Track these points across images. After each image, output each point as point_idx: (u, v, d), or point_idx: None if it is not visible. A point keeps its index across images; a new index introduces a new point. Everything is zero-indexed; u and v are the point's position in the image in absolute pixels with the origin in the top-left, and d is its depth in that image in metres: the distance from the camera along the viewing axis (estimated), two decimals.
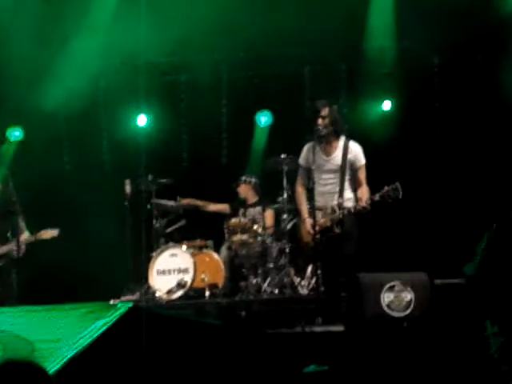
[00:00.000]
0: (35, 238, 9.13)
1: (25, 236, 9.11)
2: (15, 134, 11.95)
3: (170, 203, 10.88)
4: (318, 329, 7.86)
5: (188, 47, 12.05)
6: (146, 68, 11.21)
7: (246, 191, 11.03)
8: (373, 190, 8.20)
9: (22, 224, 9.14)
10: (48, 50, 11.51)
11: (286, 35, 11.62)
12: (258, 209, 10.91)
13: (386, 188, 7.95)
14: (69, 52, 11.65)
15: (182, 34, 11.56)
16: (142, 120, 12.10)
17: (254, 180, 11.07)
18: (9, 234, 9.03)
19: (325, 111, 8.20)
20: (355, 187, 8.30)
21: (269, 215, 10.76)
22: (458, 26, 11.24)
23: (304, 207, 8.42)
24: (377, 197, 7.99)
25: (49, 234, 9.19)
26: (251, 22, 11.29)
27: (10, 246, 8.86)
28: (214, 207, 11.16)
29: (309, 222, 8.23)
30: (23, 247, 8.96)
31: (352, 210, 8.08)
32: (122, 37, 11.17)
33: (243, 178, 11.07)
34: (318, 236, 8.09)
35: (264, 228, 10.50)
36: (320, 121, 8.18)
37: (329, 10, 10.93)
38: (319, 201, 8.17)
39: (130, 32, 10.29)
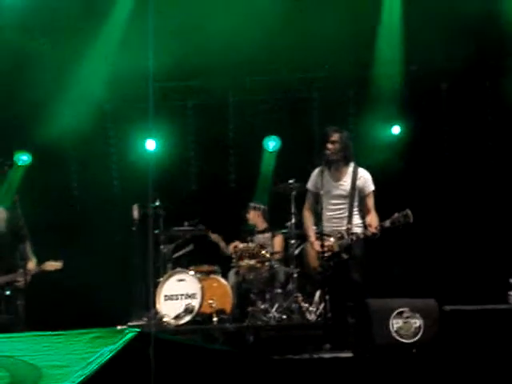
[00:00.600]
0: (39, 269, 9.07)
1: (32, 264, 9.04)
2: (23, 158, 11.97)
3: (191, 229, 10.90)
4: (326, 355, 7.80)
5: (195, 72, 12.11)
6: (154, 93, 11.24)
7: (255, 218, 11.03)
8: (382, 215, 8.17)
9: (29, 250, 9.10)
10: (56, 73, 11.58)
11: (294, 60, 11.68)
12: (267, 235, 10.92)
13: (396, 214, 7.91)
14: (77, 76, 11.71)
15: (189, 58, 11.63)
16: (150, 144, 12.12)
17: (263, 207, 11.08)
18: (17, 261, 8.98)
19: (335, 137, 8.20)
20: (363, 213, 8.27)
21: (277, 241, 10.75)
22: (466, 51, 11.28)
23: (311, 231, 8.40)
24: (387, 223, 7.95)
25: (53, 265, 9.12)
26: (258, 47, 11.33)
27: (16, 275, 8.80)
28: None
29: (317, 244, 8.21)
30: (28, 277, 8.90)
31: (361, 236, 8.05)
32: (130, 62, 11.22)
33: (252, 204, 11.07)
34: (325, 257, 8.05)
35: (272, 253, 10.48)
36: (330, 146, 8.18)
37: (337, 34, 10.97)
38: (327, 226, 8.14)
39: (137, 57, 10.32)
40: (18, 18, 10.93)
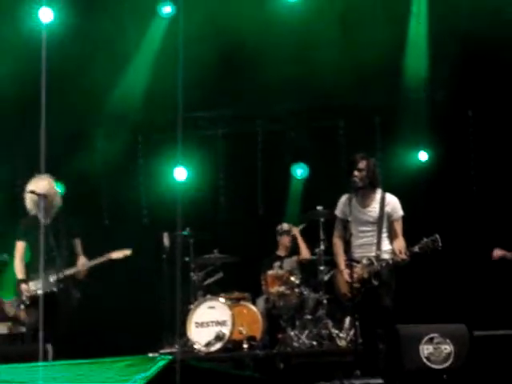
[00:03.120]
0: (106, 258, 8.77)
1: (82, 261, 8.76)
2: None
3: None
4: (356, 382, 7.76)
5: (224, 101, 12.20)
6: (183, 121, 11.32)
7: (289, 241, 11.11)
8: (410, 241, 8.17)
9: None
10: (87, 104, 11.72)
11: (319, 88, 11.72)
12: (294, 258, 10.98)
13: (425, 239, 7.89)
14: (107, 105, 11.84)
15: (217, 87, 11.73)
16: (180, 173, 12.20)
17: (293, 229, 11.16)
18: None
19: (362, 164, 8.21)
20: (391, 239, 8.27)
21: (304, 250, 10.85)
22: (493, 76, 11.29)
23: (341, 259, 8.38)
24: (416, 248, 7.93)
25: (120, 253, 8.84)
26: (284, 75, 11.41)
27: (78, 267, 8.62)
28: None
29: (346, 272, 8.21)
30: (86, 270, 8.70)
31: (390, 262, 8.05)
32: (159, 90, 11.34)
33: (285, 226, 11.14)
34: (355, 287, 8.06)
35: (302, 280, 10.55)
36: (357, 173, 8.19)
37: (363, 61, 11.03)
38: (357, 253, 8.15)
39: (167, 85, 10.44)
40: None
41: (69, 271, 8.62)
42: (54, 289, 8.49)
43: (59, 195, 8.91)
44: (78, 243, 8.88)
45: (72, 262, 8.72)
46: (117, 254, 8.87)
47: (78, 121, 11.99)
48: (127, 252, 8.91)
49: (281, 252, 11.23)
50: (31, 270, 8.64)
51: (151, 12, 11.65)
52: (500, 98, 11.69)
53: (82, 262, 8.77)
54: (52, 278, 8.51)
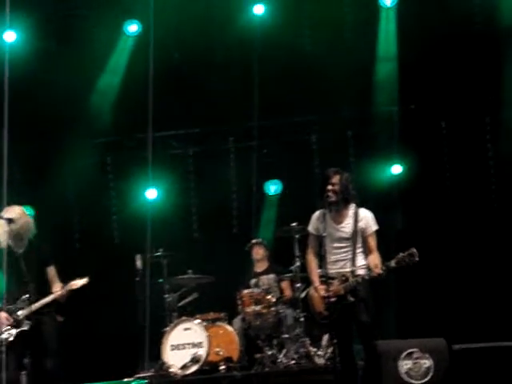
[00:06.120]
0: (66, 290, 8.39)
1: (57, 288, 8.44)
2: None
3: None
4: None
5: (195, 119, 12.14)
6: (153, 141, 11.26)
7: (260, 253, 11.01)
8: (385, 256, 8.07)
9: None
10: (54, 125, 11.62)
11: (291, 102, 11.70)
12: (271, 276, 10.87)
13: (401, 254, 7.79)
14: (75, 126, 11.73)
15: (188, 105, 11.67)
16: (151, 194, 12.10)
17: (265, 241, 11.13)
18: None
19: (335, 178, 8.12)
20: (366, 254, 8.17)
21: (286, 285, 10.75)
22: (466, 88, 11.31)
23: (315, 276, 8.27)
24: (393, 263, 7.82)
25: (78, 283, 8.47)
26: (257, 91, 11.37)
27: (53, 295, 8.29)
28: None
29: (322, 288, 8.09)
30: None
31: (366, 278, 7.95)
32: (129, 111, 11.26)
33: (254, 240, 11.08)
34: (331, 303, 7.95)
35: (280, 298, 10.44)
36: (330, 188, 8.10)
37: (334, 75, 11.02)
38: (331, 269, 8.04)
39: (136, 106, 10.37)
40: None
41: (44, 300, 8.29)
42: (25, 327, 8.13)
43: (31, 223, 8.65)
44: (51, 271, 8.52)
45: (45, 291, 8.35)
46: (75, 285, 8.49)
47: (45, 142, 11.88)
48: (84, 281, 8.54)
49: (257, 268, 11.15)
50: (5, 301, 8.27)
51: (117, 31, 11.57)
52: (472, 108, 11.70)
53: (58, 289, 8.41)
54: (22, 315, 8.17)
